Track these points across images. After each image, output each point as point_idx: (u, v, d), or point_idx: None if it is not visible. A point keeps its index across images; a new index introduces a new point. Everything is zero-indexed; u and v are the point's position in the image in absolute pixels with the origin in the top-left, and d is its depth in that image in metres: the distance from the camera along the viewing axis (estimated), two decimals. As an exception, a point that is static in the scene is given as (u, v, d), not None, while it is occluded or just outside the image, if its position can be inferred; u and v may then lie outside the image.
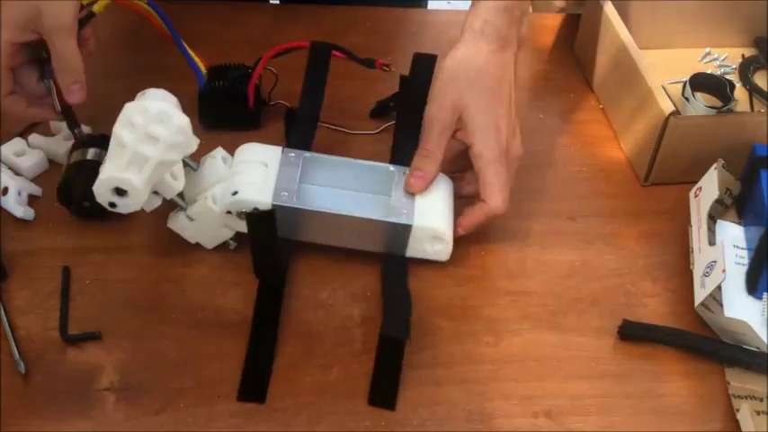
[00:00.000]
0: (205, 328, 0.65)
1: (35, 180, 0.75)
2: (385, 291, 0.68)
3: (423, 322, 0.67)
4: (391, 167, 0.72)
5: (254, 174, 0.68)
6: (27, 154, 0.75)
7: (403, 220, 0.68)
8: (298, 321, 0.67)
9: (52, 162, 0.76)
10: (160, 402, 0.61)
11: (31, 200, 0.73)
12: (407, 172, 0.71)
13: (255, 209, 0.66)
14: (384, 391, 0.63)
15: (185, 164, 0.66)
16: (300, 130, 0.75)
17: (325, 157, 0.72)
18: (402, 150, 0.74)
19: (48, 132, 0.77)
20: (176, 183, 0.65)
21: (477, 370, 0.65)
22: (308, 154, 0.71)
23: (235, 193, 0.67)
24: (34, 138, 0.77)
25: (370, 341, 0.65)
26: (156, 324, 0.65)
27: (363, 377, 0.63)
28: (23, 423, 0.59)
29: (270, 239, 0.65)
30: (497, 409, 0.63)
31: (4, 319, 0.64)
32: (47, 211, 0.72)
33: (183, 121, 0.63)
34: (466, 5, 0.75)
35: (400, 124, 0.78)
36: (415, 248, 0.70)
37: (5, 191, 0.71)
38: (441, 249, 0.70)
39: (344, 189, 0.72)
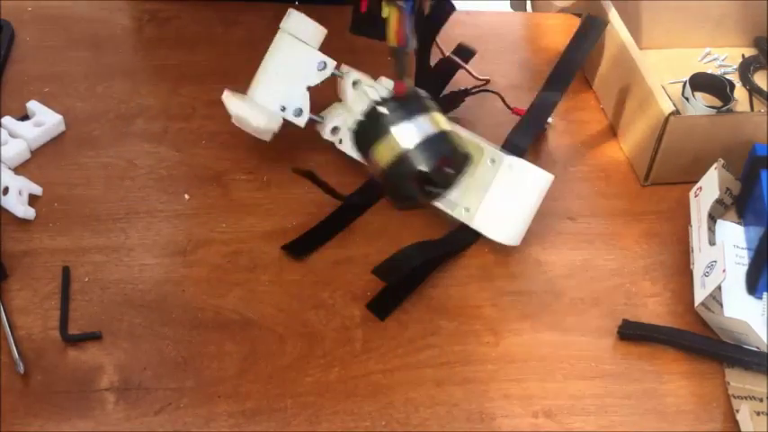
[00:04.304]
0: (205, 328, 0.65)
1: (17, 169, 0.75)
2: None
3: (423, 322, 0.67)
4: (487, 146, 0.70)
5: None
6: (9, 143, 0.75)
7: (463, 217, 0.68)
8: (298, 321, 0.67)
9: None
10: (160, 402, 0.61)
11: (32, 199, 0.73)
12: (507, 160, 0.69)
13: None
14: (382, 303, 0.66)
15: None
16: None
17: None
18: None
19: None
20: None
21: (478, 370, 0.65)
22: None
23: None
24: (7, 120, 0.77)
25: (370, 341, 0.66)
26: (156, 324, 0.65)
27: (363, 377, 0.63)
28: (23, 423, 0.59)
29: None
30: (498, 409, 0.63)
31: (4, 319, 0.64)
32: (47, 210, 0.72)
33: None
34: (466, 5, 0.75)
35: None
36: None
37: (6, 190, 0.71)
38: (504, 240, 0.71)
39: None
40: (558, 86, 0.75)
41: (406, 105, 0.63)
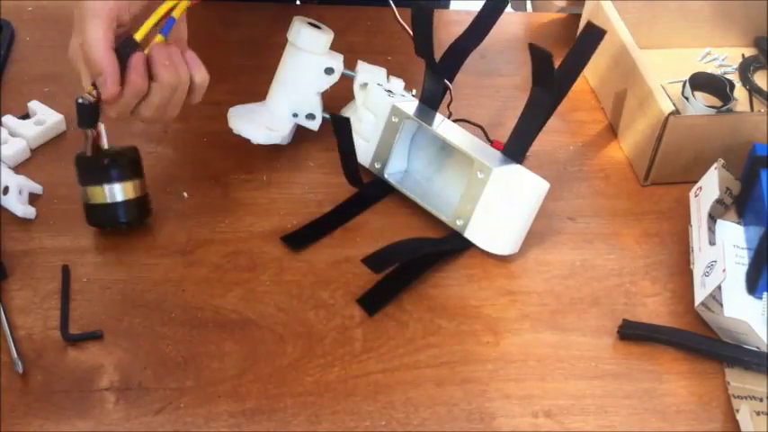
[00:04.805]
0: (205, 328, 0.65)
1: (17, 169, 0.75)
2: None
3: (423, 322, 0.67)
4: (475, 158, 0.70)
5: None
6: (9, 142, 0.75)
7: (457, 228, 0.70)
8: (298, 321, 0.67)
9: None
10: (160, 402, 0.61)
11: (32, 198, 0.73)
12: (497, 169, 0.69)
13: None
14: (373, 299, 0.68)
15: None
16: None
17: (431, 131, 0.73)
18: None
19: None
20: None
21: (477, 370, 0.65)
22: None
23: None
24: (8, 119, 0.77)
25: (370, 341, 0.66)
26: (156, 324, 0.65)
27: (363, 377, 0.63)
28: (23, 423, 0.59)
29: None
30: (497, 409, 0.63)
31: (4, 319, 0.64)
32: (47, 210, 0.72)
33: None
34: (466, 5, 0.75)
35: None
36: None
37: (6, 190, 0.71)
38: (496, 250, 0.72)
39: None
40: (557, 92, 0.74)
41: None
